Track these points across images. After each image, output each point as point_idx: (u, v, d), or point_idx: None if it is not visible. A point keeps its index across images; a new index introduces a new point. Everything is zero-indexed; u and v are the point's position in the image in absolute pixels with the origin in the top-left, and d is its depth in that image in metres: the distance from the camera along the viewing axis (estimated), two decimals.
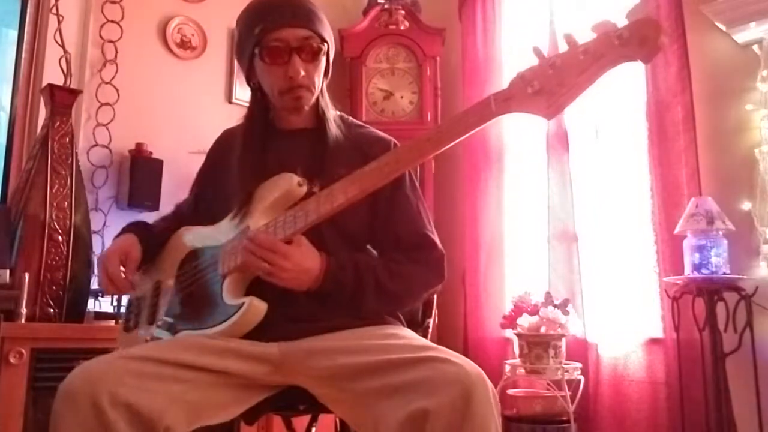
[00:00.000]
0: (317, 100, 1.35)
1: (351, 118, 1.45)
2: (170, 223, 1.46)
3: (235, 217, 1.28)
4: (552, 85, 0.98)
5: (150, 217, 2.69)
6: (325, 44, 1.31)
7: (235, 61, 3.15)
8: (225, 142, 1.47)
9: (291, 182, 1.24)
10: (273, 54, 1.28)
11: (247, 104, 1.43)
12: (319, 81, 1.33)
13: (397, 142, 1.37)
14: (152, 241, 1.39)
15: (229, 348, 1.15)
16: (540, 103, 1.00)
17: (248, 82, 1.39)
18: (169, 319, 1.27)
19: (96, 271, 1.36)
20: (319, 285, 1.19)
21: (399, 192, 1.32)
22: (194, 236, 1.37)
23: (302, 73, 1.27)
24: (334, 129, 1.34)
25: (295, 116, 1.35)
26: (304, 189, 1.23)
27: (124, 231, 1.39)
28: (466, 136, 1.09)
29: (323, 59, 1.32)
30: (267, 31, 1.27)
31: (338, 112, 1.42)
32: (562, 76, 0.98)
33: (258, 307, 1.17)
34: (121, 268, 1.30)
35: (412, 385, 0.99)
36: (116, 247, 1.33)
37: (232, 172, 1.35)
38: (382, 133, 1.40)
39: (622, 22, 0.97)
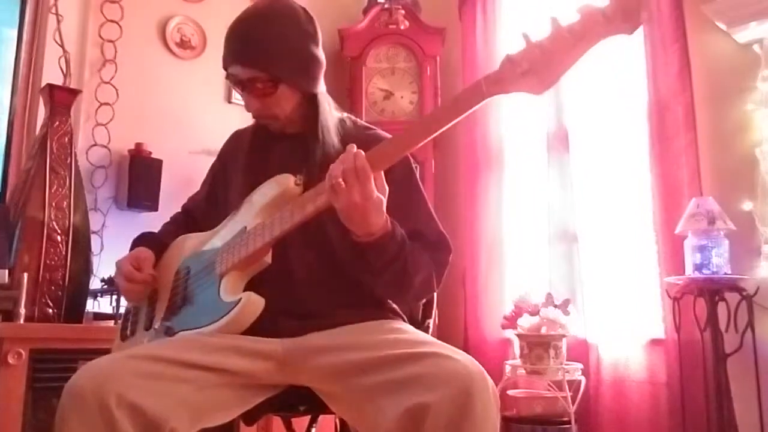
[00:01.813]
0: (308, 107, 1.32)
1: (359, 120, 1.43)
2: (179, 228, 1.47)
3: (233, 220, 1.28)
4: (540, 64, 1.02)
5: (149, 218, 2.70)
6: (277, 83, 1.26)
7: None
8: (234, 142, 1.48)
9: (287, 182, 1.23)
10: (233, 84, 1.31)
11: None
12: (285, 107, 1.30)
13: None
14: (162, 249, 1.41)
15: (232, 345, 1.14)
16: (530, 81, 1.03)
17: None
18: (167, 323, 1.27)
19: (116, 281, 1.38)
20: (366, 240, 1.11)
21: (413, 186, 1.32)
22: (191, 242, 1.38)
23: (257, 106, 1.29)
24: (328, 135, 1.30)
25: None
26: (301, 189, 1.23)
27: (133, 247, 1.41)
28: (459, 119, 1.09)
29: (284, 90, 1.27)
30: (225, 63, 1.30)
31: (345, 115, 1.40)
32: (549, 55, 1.01)
33: (256, 301, 1.16)
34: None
35: (412, 379, 0.99)
36: (126, 256, 1.36)
37: (238, 173, 1.36)
38: (387, 135, 1.37)
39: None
